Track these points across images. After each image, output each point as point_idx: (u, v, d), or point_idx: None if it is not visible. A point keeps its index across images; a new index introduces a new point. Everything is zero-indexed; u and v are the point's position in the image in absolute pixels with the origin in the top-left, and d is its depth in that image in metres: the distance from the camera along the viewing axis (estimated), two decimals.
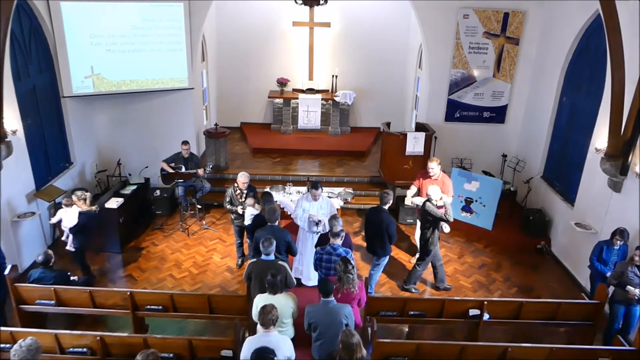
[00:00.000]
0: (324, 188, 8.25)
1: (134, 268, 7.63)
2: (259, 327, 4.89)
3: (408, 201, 7.51)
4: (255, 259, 5.55)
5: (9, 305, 6.04)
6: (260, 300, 4.87)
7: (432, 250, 6.86)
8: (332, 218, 6.01)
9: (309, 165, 10.65)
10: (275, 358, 4.00)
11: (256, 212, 6.85)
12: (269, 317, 4.31)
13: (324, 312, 4.70)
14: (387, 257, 6.83)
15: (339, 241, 5.66)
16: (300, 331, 5.16)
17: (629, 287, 5.59)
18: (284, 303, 4.82)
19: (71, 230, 6.68)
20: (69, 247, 6.82)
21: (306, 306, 4.87)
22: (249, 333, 5.43)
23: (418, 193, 7.44)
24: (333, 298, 4.78)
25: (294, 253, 6.22)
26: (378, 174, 9.91)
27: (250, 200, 7.04)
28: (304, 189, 8.01)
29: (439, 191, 6.71)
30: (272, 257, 5.40)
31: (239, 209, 7.15)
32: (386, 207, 6.60)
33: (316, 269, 5.87)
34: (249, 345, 4.33)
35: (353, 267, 5.09)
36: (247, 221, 6.98)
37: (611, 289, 5.98)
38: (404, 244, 8.48)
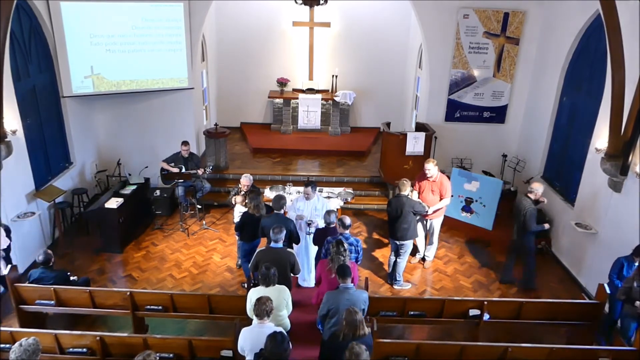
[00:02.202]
0: (323, 188, 8.28)
1: (134, 268, 7.63)
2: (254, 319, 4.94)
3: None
4: (263, 247, 5.67)
5: (5, 305, 6.05)
6: (254, 294, 4.89)
7: (533, 245, 7.05)
8: (327, 213, 6.24)
9: (309, 165, 10.65)
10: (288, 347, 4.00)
11: (244, 209, 6.84)
12: (263, 307, 4.37)
13: (344, 297, 4.78)
14: (412, 243, 7.08)
15: (348, 232, 5.91)
16: (296, 325, 5.20)
17: (638, 303, 5.43)
18: (277, 295, 4.85)
19: (6, 251, 6.26)
20: (5, 271, 6.00)
21: (326, 292, 4.98)
22: None
23: (418, 197, 7.46)
24: (352, 284, 4.89)
25: (297, 241, 6.31)
26: (378, 174, 9.90)
27: (239, 198, 7.05)
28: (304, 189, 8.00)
29: (542, 187, 6.94)
30: (280, 244, 5.53)
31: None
32: (405, 193, 6.87)
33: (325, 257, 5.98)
34: (245, 335, 4.45)
35: (345, 250, 5.24)
36: (236, 218, 7.00)
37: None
38: None
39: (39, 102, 8.00)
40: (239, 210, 6.99)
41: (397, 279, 7.22)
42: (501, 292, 7.32)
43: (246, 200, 6.90)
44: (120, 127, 9.70)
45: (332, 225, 6.20)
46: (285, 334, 4.00)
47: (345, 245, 5.35)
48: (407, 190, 6.90)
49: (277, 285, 4.95)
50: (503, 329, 6.23)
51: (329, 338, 4.70)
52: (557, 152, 8.66)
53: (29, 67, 7.75)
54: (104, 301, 5.84)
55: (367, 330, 4.30)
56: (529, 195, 6.87)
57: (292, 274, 5.63)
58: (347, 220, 5.96)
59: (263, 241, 6.41)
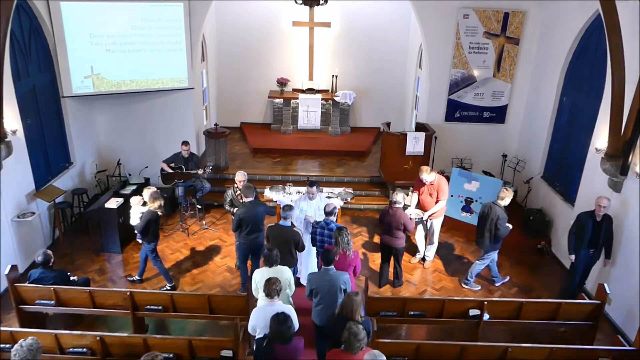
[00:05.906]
0: (323, 188, 8.28)
1: (134, 268, 7.62)
2: (260, 299, 5.10)
3: (414, 213, 7.45)
4: (273, 224, 6.22)
5: (5, 305, 6.04)
6: (258, 275, 5.24)
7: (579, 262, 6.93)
8: (395, 193, 6.67)
9: (309, 165, 10.65)
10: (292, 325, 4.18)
11: (144, 209, 6.71)
12: (273, 287, 4.66)
13: (324, 278, 5.11)
14: (495, 252, 7.07)
15: (332, 218, 6.24)
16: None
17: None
18: (279, 275, 5.06)
19: None
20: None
21: (308, 274, 5.35)
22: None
23: (418, 199, 7.49)
24: (333, 267, 5.18)
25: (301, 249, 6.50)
26: (378, 174, 9.91)
27: (135, 199, 6.87)
28: (304, 189, 7.99)
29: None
30: (288, 223, 6.03)
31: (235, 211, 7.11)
32: (501, 202, 6.81)
33: (314, 243, 6.37)
34: (256, 314, 4.74)
35: (348, 234, 5.59)
36: (134, 220, 6.79)
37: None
38: None
39: (39, 102, 7.99)
40: (138, 212, 6.76)
41: (468, 278, 7.27)
42: (501, 292, 7.32)
43: (145, 200, 6.73)
44: (120, 127, 9.70)
45: (398, 206, 6.62)
46: (288, 313, 4.16)
47: (347, 230, 5.63)
48: (502, 200, 6.79)
49: (279, 265, 5.27)
50: (503, 329, 6.24)
51: (327, 320, 4.88)
52: (557, 152, 8.66)
53: (29, 67, 7.75)
54: (104, 301, 5.84)
55: (363, 316, 4.48)
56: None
57: (297, 252, 6.19)
58: (331, 207, 6.29)
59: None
